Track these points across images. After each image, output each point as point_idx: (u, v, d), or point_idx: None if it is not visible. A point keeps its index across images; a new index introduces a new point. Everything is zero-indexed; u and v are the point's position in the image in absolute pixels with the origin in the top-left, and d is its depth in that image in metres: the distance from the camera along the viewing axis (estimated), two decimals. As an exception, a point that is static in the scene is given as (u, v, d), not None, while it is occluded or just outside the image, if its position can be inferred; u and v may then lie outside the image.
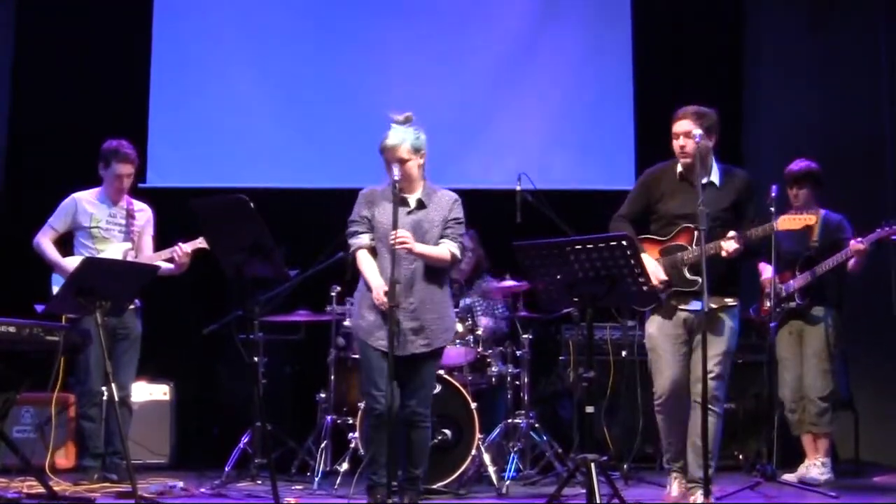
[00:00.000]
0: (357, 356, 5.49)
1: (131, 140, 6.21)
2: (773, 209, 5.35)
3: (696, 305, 4.91)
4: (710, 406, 4.73)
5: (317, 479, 5.93)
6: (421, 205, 4.93)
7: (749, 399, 6.77)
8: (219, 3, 7.98)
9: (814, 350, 6.00)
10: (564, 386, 6.97)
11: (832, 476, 5.98)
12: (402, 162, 4.82)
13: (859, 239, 5.79)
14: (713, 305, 4.84)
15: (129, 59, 7.78)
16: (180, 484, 5.73)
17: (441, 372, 5.63)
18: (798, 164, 6.13)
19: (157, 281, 5.43)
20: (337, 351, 6.30)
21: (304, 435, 6.37)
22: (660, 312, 5.04)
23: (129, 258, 5.98)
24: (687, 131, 4.91)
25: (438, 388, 5.38)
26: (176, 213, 5.72)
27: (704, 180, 4.95)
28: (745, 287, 5.93)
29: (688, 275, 4.96)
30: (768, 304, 6.00)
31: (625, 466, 6.06)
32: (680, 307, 5.00)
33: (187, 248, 5.92)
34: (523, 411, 6.20)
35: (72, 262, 5.68)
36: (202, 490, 5.74)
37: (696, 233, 4.87)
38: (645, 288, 4.53)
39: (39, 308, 5.28)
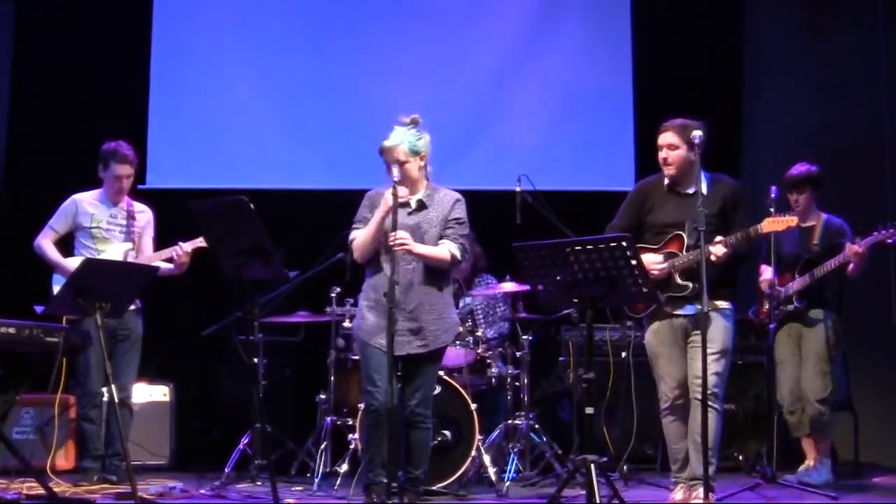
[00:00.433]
0: (357, 357, 5.49)
1: (131, 141, 6.20)
2: (772, 210, 5.36)
3: (689, 310, 4.98)
4: (709, 403, 4.74)
5: (316, 480, 5.93)
6: (422, 206, 4.93)
7: (749, 400, 6.77)
8: (218, 4, 7.97)
9: (812, 352, 5.98)
10: (564, 387, 6.97)
11: (832, 477, 5.97)
12: (401, 163, 4.82)
13: (857, 242, 5.78)
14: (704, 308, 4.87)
15: (128, 60, 7.77)
16: (180, 485, 5.73)
17: (441, 373, 5.63)
18: (797, 169, 6.11)
19: (157, 282, 5.43)
20: (337, 352, 6.30)
21: (304, 436, 6.37)
22: (656, 320, 5.09)
23: (130, 258, 5.98)
24: (670, 143, 5.05)
25: (438, 390, 5.38)
26: (175, 214, 5.72)
27: (691, 190, 5.02)
28: (745, 289, 5.95)
29: (679, 280, 5.01)
30: (767, 305, 6.00)
31: (624, 467, 6.06)
32: (675, 313, 5.04)
33: (187, 247, 5.92)
34: (523, 412, 6.20)
35: (73, 263, 5.66)
36: (202, 491, 5.74)
37: (686, 240, 4.98)
38: (645, 289, 4.54)
39: (39, 309, 5.27)
